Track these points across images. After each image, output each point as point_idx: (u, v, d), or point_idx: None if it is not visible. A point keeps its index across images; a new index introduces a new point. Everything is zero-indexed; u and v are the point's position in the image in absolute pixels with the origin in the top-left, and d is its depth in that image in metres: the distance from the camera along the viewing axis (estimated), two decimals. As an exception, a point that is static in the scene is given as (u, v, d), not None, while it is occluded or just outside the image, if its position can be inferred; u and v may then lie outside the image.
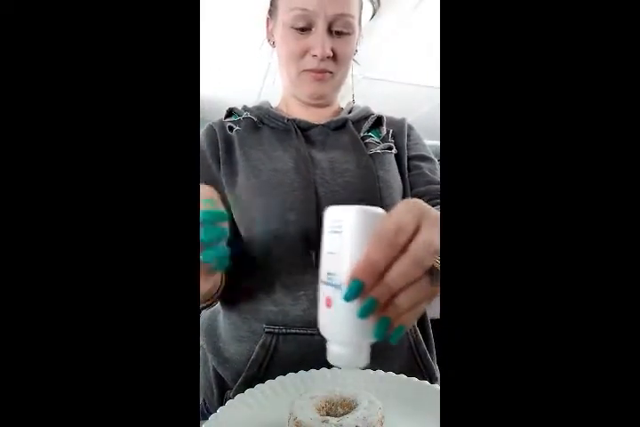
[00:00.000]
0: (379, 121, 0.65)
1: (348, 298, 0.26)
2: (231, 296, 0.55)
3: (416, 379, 0.42)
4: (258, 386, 0.41)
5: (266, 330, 0.51)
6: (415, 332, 0.56)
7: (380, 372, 0.43)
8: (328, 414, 0.33)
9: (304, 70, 0.58)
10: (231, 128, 0.62)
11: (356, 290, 0.25)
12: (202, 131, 0.64)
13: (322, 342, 0.28)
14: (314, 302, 0.49)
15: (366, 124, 0.63)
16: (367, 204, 0.54)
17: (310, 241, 0.51)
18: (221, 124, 0.64)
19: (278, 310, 0.52)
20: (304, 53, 0.57)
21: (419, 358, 0.54)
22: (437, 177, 0.63)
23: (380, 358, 0.51)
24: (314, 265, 0.51)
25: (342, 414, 0.32)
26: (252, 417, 0.37)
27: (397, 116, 0.70)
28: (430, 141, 0.70)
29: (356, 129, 0.62)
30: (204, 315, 0.60)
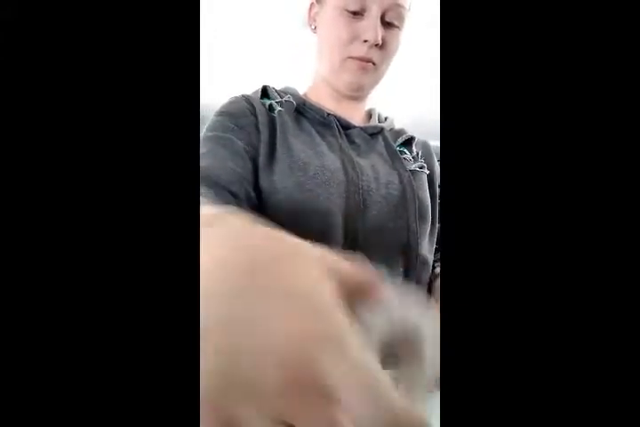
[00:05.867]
0: (409, 140, 0.65)
1: None
2: None
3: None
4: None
5: None
6: None
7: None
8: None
9: (349, 57, 0.56)
10: (272, 107, 0.57)
11: None
12: (234, 99, 0.58)
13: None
14: None
15: (399, 140, 0.63)
16: (404, 223, 0.54)
17: (351, 246, 0.49)
18: (257, 99, 0.59)
19: None
20: (352, 39, 0.55)
21: None
22: None
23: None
24: None
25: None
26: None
27: (399, 117, 0.70)
28: (430, 141, 0.70)
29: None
30: None
